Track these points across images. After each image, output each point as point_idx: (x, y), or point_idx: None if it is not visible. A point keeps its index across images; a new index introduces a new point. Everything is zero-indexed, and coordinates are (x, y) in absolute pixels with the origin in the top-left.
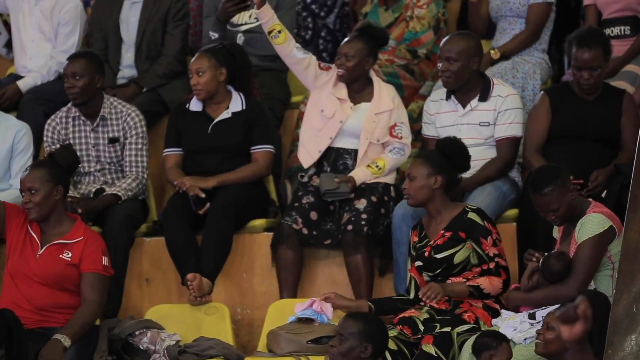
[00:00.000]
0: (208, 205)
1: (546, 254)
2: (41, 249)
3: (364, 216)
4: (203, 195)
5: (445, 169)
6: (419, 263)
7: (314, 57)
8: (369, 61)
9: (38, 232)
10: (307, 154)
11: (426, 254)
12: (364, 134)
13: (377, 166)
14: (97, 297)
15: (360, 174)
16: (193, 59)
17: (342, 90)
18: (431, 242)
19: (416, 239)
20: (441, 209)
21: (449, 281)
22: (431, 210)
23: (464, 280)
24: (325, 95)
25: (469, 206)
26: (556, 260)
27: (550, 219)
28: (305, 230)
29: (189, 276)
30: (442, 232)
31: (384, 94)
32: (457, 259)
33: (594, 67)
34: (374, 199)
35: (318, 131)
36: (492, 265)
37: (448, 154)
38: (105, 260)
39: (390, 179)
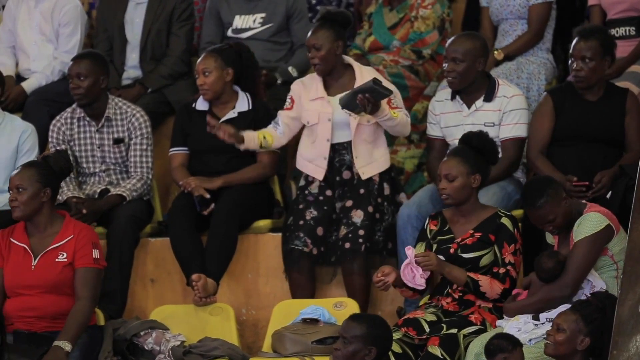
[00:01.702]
0: (213, 206)
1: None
2: (35, 259)
3: (361, 232)
4: (208, 196)
5: (481, 167)
6: (440, 257)
7: (280, 113)
8: (339, 45)
9: (27, 242)
10: (315, 167)
11: (451, 250)
12: (352, 118)
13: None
14: (89, 292)
15: (385, 105)
16: (199, 59)
17: (315, 89)
18: (458, 240)
19: (435, 228)
20: (472, 208)
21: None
22: (464, 210)
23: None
24: (304, 109)
25: (502, 211)
26: (548, 258)
27: (548, 230)
28: (315, 251)
29: (194, 277)
30: (472, 231)
31: (366, 75)
32: (484, 261)
33: (586, 58)
34: (370, 209)
35: (313, 143)
36: (502, 270)
37: (480, 149)
38: (95, 253)
39: (385, 162)
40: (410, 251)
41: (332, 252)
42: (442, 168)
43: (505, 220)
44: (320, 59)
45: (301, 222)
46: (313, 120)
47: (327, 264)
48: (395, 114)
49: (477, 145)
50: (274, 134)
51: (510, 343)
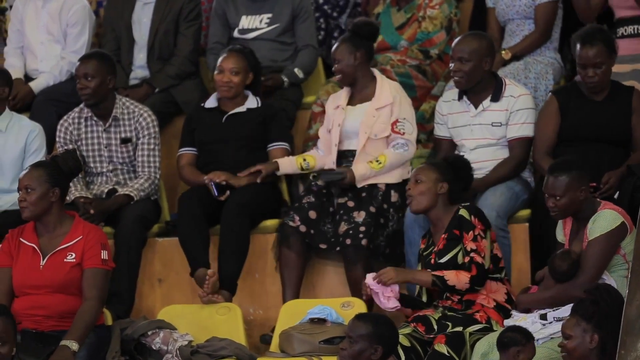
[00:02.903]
0: (228, 192)
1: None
2: (43, 259)
3: (362, 229)
4: (219, 180)
5: (451, 179)
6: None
7: (320, 131)
8: (357, 56)
9: (36, 242)
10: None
11: (432, 261)
12: (362, 129)
13: (377, 161)
14: (97, 293)
15: (360, 167)
16: (225, 56)
17: (340, 99)
18: (435, 249)
19: (424, 246)
20: (442, 216)
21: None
22: (433, 218)
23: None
24: (328, 116)
25: (462, 205)
26: (561, 260)
27: (549, 206)
28: (303, 228)
29: (210, 272)
30: (443, 236)
31: (386, 90)
32: (460, 259)
33: (597, 64)
34: (372, 209)
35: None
36: (466, 259)
37: (454, 167)
38: (104, 254)
39: (395, 177)
40: (368, 278)
41: (325, 240)
42: (414, 172)
43: (462, 212)
44: (338, 71)
45: (296, 205)
46: (329, 126)
47: (314, 246)
48: (379, 164)
49: (450, 162)
50: (316, 155)
51: (524, 336)
